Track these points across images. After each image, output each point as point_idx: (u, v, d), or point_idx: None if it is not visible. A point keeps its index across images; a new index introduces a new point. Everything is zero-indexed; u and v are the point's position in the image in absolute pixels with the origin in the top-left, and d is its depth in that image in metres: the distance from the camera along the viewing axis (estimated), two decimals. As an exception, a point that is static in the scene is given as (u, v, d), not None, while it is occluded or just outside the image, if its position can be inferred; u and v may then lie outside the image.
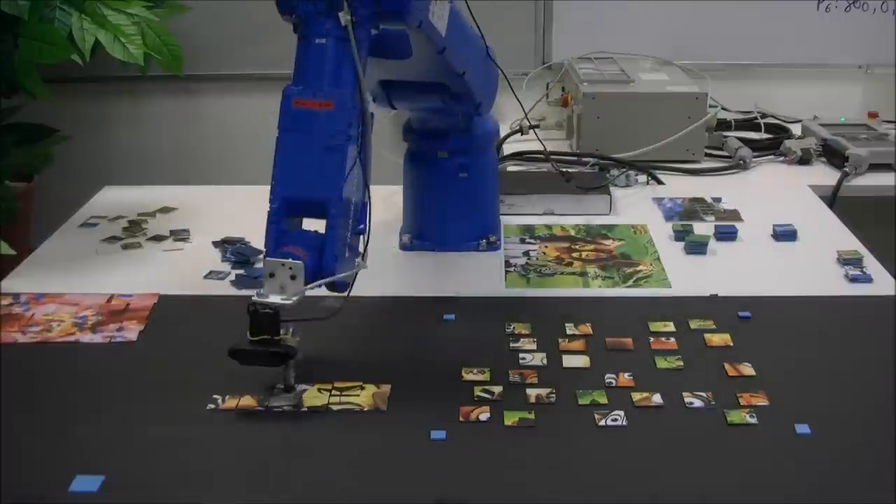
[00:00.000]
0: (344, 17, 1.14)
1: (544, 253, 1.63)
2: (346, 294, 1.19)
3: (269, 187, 2.03)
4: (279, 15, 1.20)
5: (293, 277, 1.12)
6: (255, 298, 1.13)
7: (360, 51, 1.17)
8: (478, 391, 1.19)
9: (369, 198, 1.21)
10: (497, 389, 1.19)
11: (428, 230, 1.64)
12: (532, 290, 1.50)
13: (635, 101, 2.19)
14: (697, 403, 1.16)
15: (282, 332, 1.14)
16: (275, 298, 1.12)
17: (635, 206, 1.86)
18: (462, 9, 1.39)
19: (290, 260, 1.12)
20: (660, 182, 2.01)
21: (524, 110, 1.83)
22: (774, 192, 1.96)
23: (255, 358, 1.15)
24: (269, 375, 1.20)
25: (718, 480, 1.03)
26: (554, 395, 1.18)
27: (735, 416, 1.13)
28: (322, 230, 1.16)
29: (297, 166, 1.17)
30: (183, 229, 1.74)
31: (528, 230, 1.73)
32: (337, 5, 1.15)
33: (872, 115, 2.51)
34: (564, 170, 1.90)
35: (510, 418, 1.13)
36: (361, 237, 1.21)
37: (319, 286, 1.14)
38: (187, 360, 1.28)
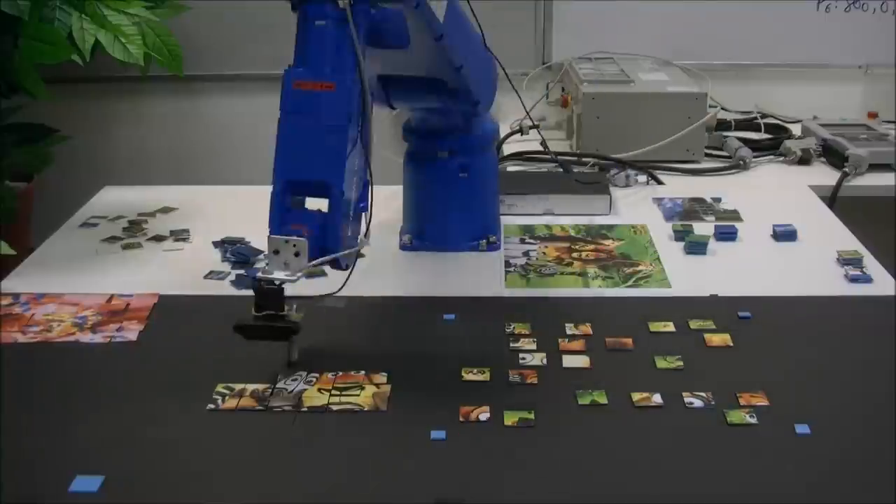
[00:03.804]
0: (342, 0, 1.15)
1: (544, 253, 1.63)
2: (347, 276, 1.23)
3: (268, 187, 2.03)
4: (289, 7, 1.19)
5: (297, 254, 1.14)
6: (259, 275, 1.16)
7: (359, 31, 1.18)
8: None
9: (371, 176, 1.23)
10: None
11: (428, 230, 1.64)
12: (532, 290, 1.50)
13: (635, 101, 2.19)
14: (697, 403, 1.16)
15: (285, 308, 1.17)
16: (279, 274, 1.15)
17: (635, 206, 1.86)
18: (461, 5, 1.40)
19: (294, 237, 1.15)
20: (660, 182, 2.01)
21: (526, 109, 1.82)
22: (774, 192, 1.96)
23: (259, 332, 1.18)
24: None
25: (718, 480, 1.03)
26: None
27: (735, 416, 1.13)
28: (324, 208, 1.18)
29: (298, 148, 1.18)
30: (183, 229, 1.74)
31: (528, 230, 1.73)
32: None
33: (872, 115, 2.51)
34: (563, 159, 1.88)
35: (510, 418, 1.13)
36: (364, 215, 1.23)
37: (322, 263, 1.16)
38: (187, 360, 1.28)
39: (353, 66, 1.17)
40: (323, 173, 1.17)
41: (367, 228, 1.25)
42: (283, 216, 1.17)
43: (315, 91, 1.17)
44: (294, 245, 1.14)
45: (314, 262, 1.15)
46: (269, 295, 1.16)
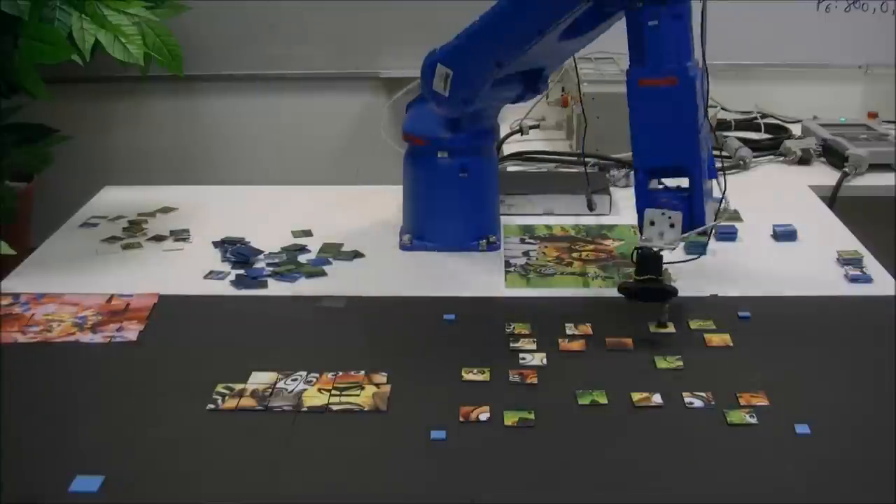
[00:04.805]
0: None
1: (544, 253, 1.63)
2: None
3: (268, 187, 2.04)
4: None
5: (672, 225, 1.29)
6: (640, 243, 1.31)
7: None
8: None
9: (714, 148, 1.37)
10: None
11: (428, 230, 1.64)
12: (532, 290, 1.50)
13: (635, 101, 2.19)
14: (697, 403, 1.16)
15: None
16: (658, 243, 1.29)
17: (635, 205, 1.85)
18: None
19: (669, 210, 1.30)
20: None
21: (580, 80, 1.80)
22: (774, 192, 1.96)
23: (643, 294, 1.33)
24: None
25: (718, 480, 1.03)
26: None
27: (735, 416, 1.13)
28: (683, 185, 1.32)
29: (654, 139, 1.30)
30: (183, 229, 1.74)
31: (528, 230, 1.73)
32: None
33: (872, 115, 2.51)
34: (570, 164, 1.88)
35: (510, 418, 1.13)
36: (715, 181, 1.38)
37: (693, 233, 1.32)
38: (187, 360, 1.28)
39: (690, 57, 1.27)
40: (682, 160, 1.29)
41: (723, 195, 1.39)
42: (650, 194, 1.29)
43: (660, 87, 1.27)
44: (669, 217, 1.29)
45: (687, 234, 1.30)
46: (651, 261, 1.30)
